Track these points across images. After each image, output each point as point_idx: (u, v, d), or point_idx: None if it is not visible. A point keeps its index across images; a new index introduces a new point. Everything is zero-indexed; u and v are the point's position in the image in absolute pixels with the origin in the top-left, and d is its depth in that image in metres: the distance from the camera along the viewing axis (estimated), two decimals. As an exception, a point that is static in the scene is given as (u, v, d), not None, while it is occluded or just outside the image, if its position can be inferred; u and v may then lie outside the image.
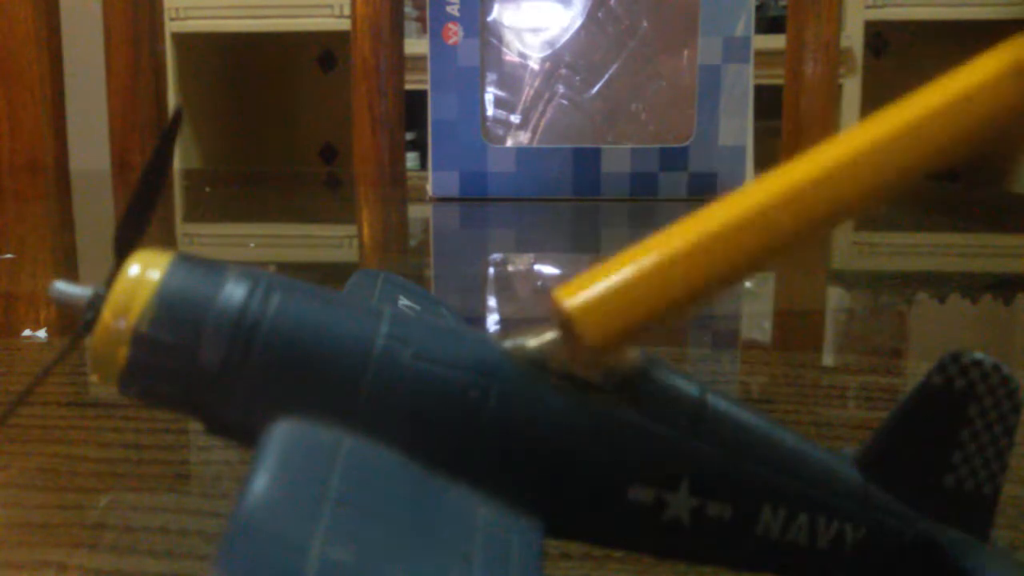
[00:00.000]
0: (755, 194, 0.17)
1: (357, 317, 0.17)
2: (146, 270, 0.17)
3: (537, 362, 0.17)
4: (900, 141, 0.17)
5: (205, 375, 0.16)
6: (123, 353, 0.17)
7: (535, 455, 0.17)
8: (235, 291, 0.17)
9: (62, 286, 0.17)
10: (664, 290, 0.17)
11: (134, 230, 0.17)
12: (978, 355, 0.18)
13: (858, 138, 0.17)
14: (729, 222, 0.17)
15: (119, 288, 0.17)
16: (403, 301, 0.26)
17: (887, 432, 0.19)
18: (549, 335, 0.18)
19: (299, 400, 0.16)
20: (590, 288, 0.17)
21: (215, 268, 0.17)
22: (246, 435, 0.16)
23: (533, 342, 0.18)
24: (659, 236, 0.17)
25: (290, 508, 0.14)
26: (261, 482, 0.14)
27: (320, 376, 0.17)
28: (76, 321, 0.17)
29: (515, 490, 0.17)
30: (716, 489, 0.17)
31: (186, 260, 0.17)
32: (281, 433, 0.15)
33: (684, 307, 0.17)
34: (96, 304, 0.17)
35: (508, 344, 0.18)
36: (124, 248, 0.17)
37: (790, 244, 0.17)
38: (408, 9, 1.51)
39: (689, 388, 0.18)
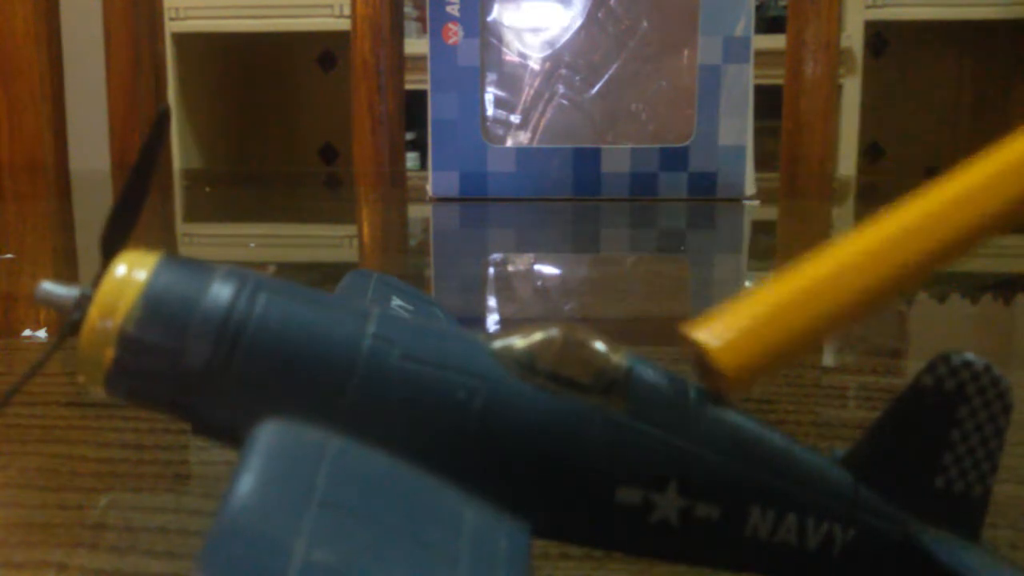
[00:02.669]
0: (878, 232, 0.18)
1: (344, 318, 0.17)
2: (133, 270, 0.17)
3: (525, 363, 0.17)
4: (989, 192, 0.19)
5: (191, 376, 0.16)
6: (109, 354, 0.16)
7: (523, 456, 0.17)
8: (221, 292, 0.17)
9: (49, 286, 0.17)
10: (797, 327, 0.18)
11: (121, 230, 0.17)
12: (968, 356, 0.18)
13: (958, 184, 0.19)
14: (854, 260, 0.18)
15: (106, 288, 0.17)
16: (396, 301, 0.26)
17: (877, 433, 0.19)
18: (537, 335, 0.18)
19: (285, 401, 0.16)
20: (726, 325, 0.18)
21: (202, 269, 0.17)
22: (233, 436, 0.16)
23: (521, 343, 0.17)
24: (786, 273, 0.18)
25: (274, 509, 0.14)
26: (246, 483, 0.14)
27: (306, 377, 0.16)
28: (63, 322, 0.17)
29: (502, 491, 0.17)
30: (704, 490, 0.17)
31: (173, 260, 0.17)
32: (267, 434, 0.15)
33: (815, 342, 0.18)
34: (83, 305, 0.17)
35: (496, 345, 0.18)
36: (111, 248, 0.17)
37: (912, 280, 0.18)
38: (408, 9, 1.51)
39: (677, 389, 0.18)
